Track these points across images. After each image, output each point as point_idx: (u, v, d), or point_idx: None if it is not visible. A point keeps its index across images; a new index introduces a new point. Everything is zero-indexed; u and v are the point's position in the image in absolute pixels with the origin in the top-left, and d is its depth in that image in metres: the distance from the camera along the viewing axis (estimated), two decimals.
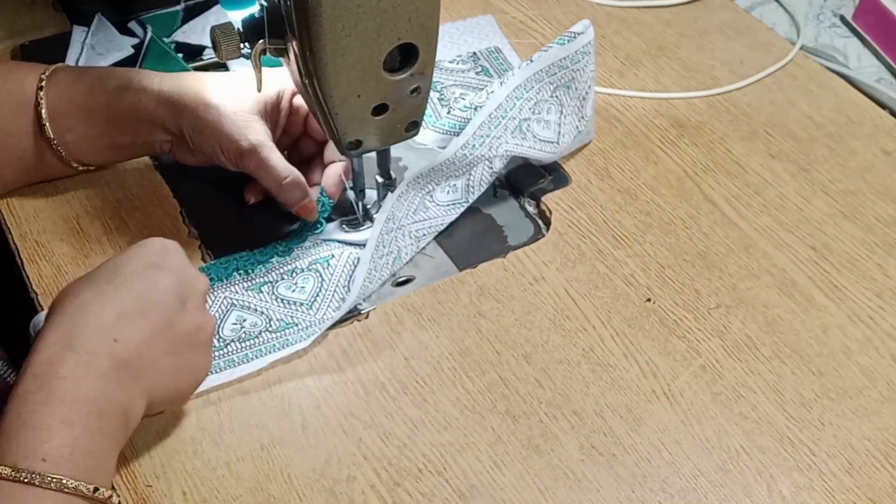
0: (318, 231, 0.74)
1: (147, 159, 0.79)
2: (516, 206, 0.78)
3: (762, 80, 0.89)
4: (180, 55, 0.87)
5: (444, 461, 0.61)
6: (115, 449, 0.56)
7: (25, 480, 0.50)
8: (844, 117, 0.86)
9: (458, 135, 0.79)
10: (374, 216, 0.74)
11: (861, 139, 0.84)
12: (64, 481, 0.51)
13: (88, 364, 0.54)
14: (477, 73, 0.88)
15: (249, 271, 0.71)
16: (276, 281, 0.70)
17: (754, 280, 0.72)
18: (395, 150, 0.76)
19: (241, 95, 0.72)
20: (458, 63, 0.89)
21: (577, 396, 0.64)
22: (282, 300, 0.69)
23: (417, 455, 0.61)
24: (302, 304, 0.69)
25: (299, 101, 0.75)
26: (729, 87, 0.88)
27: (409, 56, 0.64)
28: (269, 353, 0.66)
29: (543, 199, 0.77)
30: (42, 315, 0.67)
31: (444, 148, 0.80)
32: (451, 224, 0.75)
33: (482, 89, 0.86)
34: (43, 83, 0.72)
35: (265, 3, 0.63)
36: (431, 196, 0.74)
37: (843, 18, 0.99)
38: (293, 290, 0.70)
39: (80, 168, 0.76)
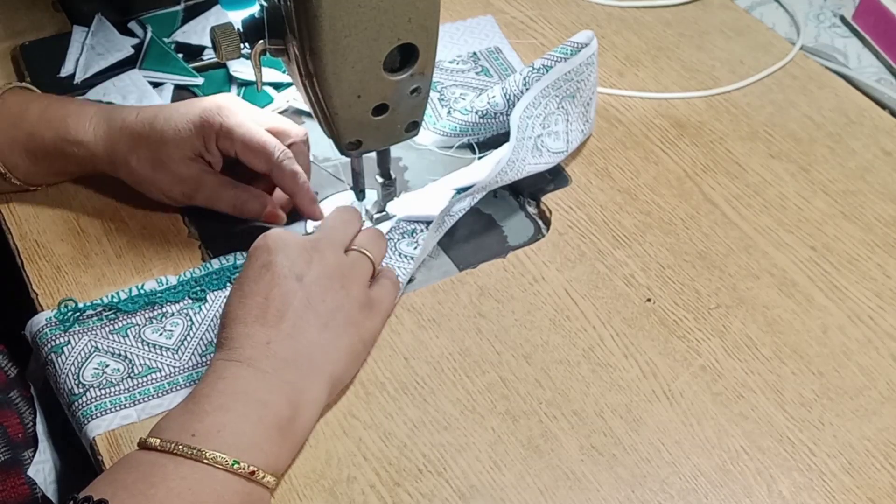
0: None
1: None
2: (516, 207, 0.78)
3: (762, 80, 0.89)
4: (180, 55, 0.87)
5: (444, 461, 0.61)
6: (281, 437, 0.57)
7: (170, 450, 0.54)
8: (844, 117, 0.86)
9: (458, 136, 0.80)
10: (375, 216, 0.74)
11: (861, 139, 0.84)
12: (204, 451, 0.53)
13: (250, 367, 0.58)
14: (477, 74, 0.88)
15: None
16: (143, 325, 0.67)
17: (754, 280, 0.72)
18: (395, 150, 0.76)
19: (172, 139, 0.70)
20: (458, 63, 0.89)
21: (577, 396, 0.64)
22: (147, 344, 0.66)
23: (417, 455, 0.61)
24: (168, 348, 0.66)
25: (228, 126, 0.71)
26: (729, 87, 0.88)
27: (409, 56, 0.64)
28: (128, 403, 0.63)
29: (543, 199, 0.77)
30: (39, 317, 0.67)
31: (443, 148, 0.80)
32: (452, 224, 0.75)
33: (482, 90, 0.86)
34: None
35: (265, 3, 0.63)
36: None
37: (843, 18, 0.99)
38: (160, 334, 0.67)
39: (45, 186, 0.77)
